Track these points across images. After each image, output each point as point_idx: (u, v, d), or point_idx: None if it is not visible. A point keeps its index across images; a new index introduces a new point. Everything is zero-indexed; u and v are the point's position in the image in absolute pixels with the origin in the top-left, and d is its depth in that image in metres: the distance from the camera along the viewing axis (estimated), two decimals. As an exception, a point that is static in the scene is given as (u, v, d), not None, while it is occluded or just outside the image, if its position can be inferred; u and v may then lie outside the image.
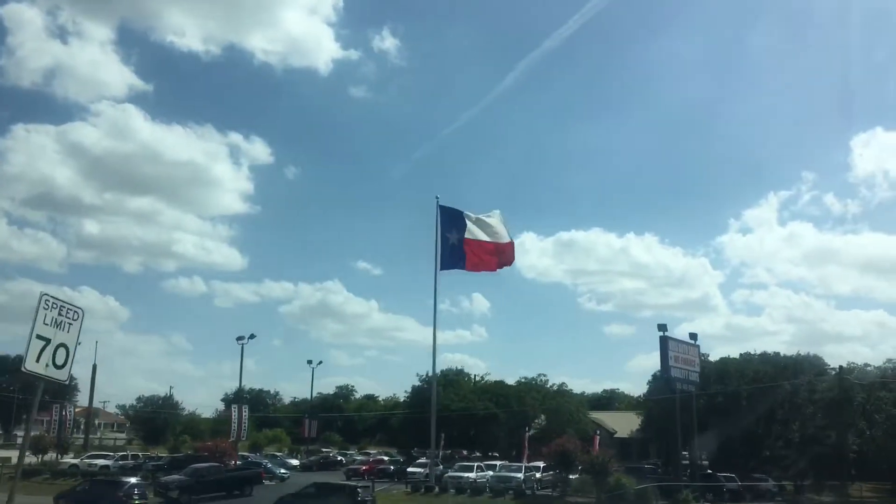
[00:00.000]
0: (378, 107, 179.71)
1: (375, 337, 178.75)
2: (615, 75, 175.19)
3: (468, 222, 45.74)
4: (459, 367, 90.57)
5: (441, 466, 57.83)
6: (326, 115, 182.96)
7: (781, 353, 62.28)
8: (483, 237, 45.27)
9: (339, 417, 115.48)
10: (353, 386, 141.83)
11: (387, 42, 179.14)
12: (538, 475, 45.17)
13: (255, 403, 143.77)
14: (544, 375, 67.80)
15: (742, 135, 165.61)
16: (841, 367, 52.00)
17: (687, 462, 46.09)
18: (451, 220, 46.76)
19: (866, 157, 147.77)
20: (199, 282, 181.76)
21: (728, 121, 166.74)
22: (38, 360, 10.07)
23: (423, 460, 58.90)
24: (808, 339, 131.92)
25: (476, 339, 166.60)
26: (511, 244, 45.54)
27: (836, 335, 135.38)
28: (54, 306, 10.32)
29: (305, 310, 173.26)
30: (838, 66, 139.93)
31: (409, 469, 56.19)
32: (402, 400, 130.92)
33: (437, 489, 41.65)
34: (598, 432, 58.66)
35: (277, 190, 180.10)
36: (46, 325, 10.12)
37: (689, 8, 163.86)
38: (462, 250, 45.39)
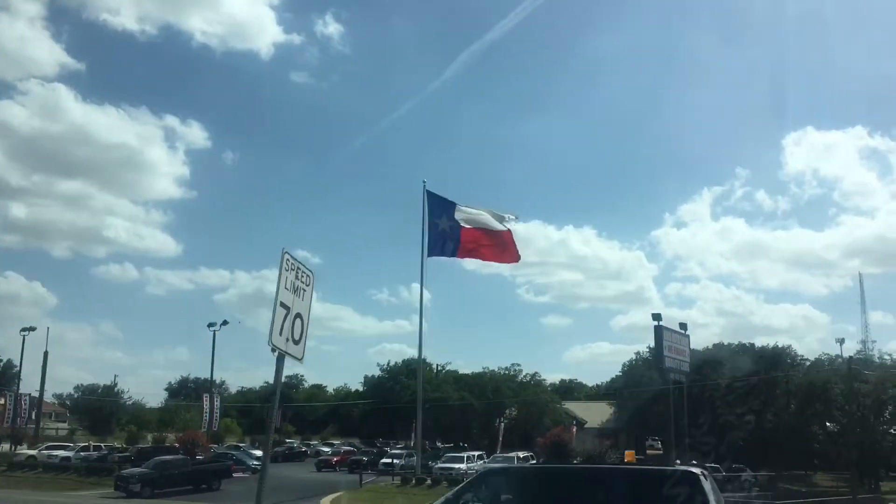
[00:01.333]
0: (320, 93, 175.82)
1: (312, 326, 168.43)
2: (556, 69, 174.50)
3: (462, 212, 44.33)
4: (422, 357, 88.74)
5: (414, 458, 56.77)
6: (267, 100, 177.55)
7: (757, 345, 62.77)
8: (482, 226, 43.76)
9: (289, 407, 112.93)
10: (302, 375, 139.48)
11: (330, 28, 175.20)
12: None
13: (201, 393, 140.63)
14: (518, 365, 67.09)
15: (679, 131, 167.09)
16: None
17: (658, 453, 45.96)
18: (441, 207, 45.38)
19: (797, 155, 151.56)
20: (130, 268, 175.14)
21: (665, 117, 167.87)
22: (280, 334, 8.44)
23: (396, 451, 57.72)
24: (738, 332, 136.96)
25: (415, 328, 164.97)
26: (511, 242, 43.77)
27: (765, 328, 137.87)
28: (293, 268, 8.71)
29: (242, 298, 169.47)
30: (772, 65, 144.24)
31: (384, 460, 54.98)
32: (353, 390, 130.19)
33: (428, 480, 40.38)
34: (575, 423, 58.26)
35: (214, 175, 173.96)
36: (287, 290, 8.52)
37: (628, 4, 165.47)
38: (456, 237, 44.00)
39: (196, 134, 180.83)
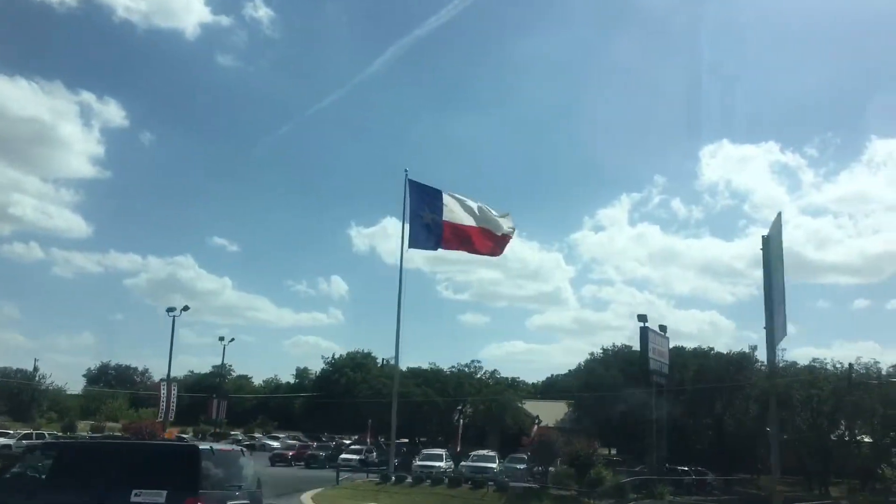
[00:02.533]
0: (246, 78, 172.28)
1: (227, 316, 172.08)
2: (483, 69, 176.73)
3: (448, 203, 42.82)
4: (367, 351, 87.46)
5: (374, 454, 55.36)
6: (190, 81, 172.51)
7: (717, 350, 63.62)
8: (469, 222, 42.25)
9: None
10: (231, 365, 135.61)
11: (260, 11, 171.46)
12: (519, 466, 43.48)
13: (122, 381, 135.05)
14: (478, 362, 66.24)
15: (601, 137, 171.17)
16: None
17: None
18: (424, 197, 43.82)
19: (712, 166, 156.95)
20: (36, 248, 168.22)
21: (589, 122, 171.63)
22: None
23: (356, 447, 56.14)
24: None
25: (332, 321, 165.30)
26: (505, 238, 42.50)
27: (674, 333, 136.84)
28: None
29: (153, 284, 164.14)
30: (692, 78, 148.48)
31: (343, 456, 53.35)
32: (285, 382, 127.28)
33: (409, 479, 39.01)
34: (538, 421, 57.76)
35: (131, 156, 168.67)
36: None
37: (553, 10, 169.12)
38: (440, 231, 42.49)
39: (113, 112, 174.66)
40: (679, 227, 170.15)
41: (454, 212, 42.30)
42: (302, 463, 56.09)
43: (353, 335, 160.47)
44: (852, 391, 52.87)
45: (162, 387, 51.01)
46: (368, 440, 60.92)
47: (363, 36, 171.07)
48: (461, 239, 42.25)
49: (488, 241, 42.21)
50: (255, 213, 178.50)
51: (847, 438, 55.11)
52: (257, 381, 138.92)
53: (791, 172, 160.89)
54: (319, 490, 36.97)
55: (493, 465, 42.35)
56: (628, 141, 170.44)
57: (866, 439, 56.22)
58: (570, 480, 38.33)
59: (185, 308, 52.91)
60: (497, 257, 45.19)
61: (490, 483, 37.85)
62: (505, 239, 42.58)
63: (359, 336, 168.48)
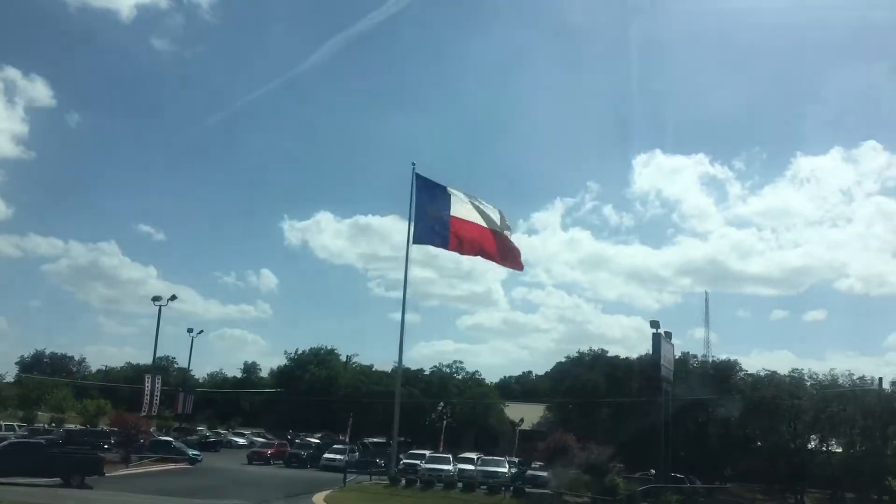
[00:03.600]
0: (181, 63, 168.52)
1: (151, 306, 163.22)
2: (422, 68, 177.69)
3: (455, 199, 41.62)
4: (330, 347, 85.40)
5: (357, 454, 53.87)
6: (122, 64, 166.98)
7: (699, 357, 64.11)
8: (477, 220, 41.05)
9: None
10: (174, 357, 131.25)
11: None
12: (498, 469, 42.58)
13: (58, 370, 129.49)
14: (460, 362, 65.17)
15: (539, 141, 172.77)
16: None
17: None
18: (431, 192, 42.56)
19: (644, 175, 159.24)
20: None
21: (528, 127, 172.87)
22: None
23: (339, 446, 54.45)
24: (575, 339, 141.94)
25: (260, 315, 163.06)
26: (515, 250, 41.34)
27: (600, 337, 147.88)
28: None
29: (74, 270, 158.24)
30: (626, 88, 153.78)
31: (327, 456, 51.67)
32: (231, 376, 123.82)
33: (418, 482, 37.80)
34: (521, 423, 57.15)
35: (57, 137, 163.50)
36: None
37: (492, 16, 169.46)
38: (446, 227, 41.27)
39: (40, 91, 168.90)
40: (610, 234, 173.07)
41: (461, 209, 41.21)
42: (280, 462, 54.10)
43: (281, 330, 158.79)
44: (831, 402, 54.00)
45: (146, 379, 48.40)
46: (346, 439, 59.32)
47: (303, 27, 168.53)
48: (469, 239, 41.08)
49: (502, 247, 41.17)
50: (184, 202, 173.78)
51: (825, 448, 56.15)
52: (198, 374, 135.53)
53: (719, 184, 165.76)
54: (329, 492, 35.49)
55: (503, 470, 41.51)
56: (564, 147, 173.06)
57: (836, 449, 57.56)
58: (584, 488, 37.78)
59: (173, 297, 50.48)
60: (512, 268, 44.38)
61: (505, 488, 36.95)
62: (509, 241, 41.66)
63: (287, 331, 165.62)
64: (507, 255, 41.29)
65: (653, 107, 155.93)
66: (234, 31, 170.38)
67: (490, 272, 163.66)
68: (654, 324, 41.95)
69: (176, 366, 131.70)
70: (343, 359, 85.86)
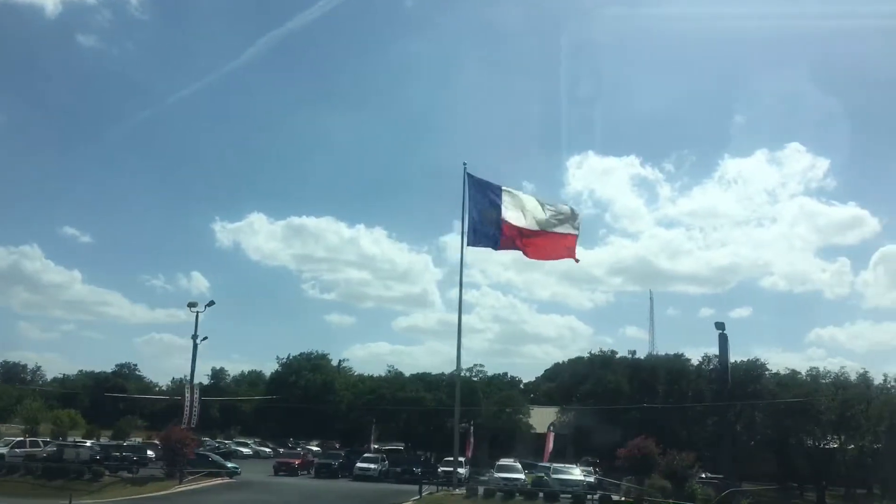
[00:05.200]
0: (108, 60, 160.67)
1: (75, 310, 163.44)
2: (357, 67, 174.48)
3: (507, 200, 40.53)
4: (322, 352, 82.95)
5: (387, 463, 52.26)
6: (46, 60, 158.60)
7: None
8: (530, 224, 39.87)
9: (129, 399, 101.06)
10: (135, 364, 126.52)
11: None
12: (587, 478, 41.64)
13: (9, 378, 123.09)
14: (481, 366, 63.82)
15: (475, 141, 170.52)
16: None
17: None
18: (484, 192, 41.48)
19: (578, 176, 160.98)
20: None
21: (464, 126, 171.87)
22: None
23: (370, 455, 52.64)
24: (510, 339, 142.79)
25: (191, 319, 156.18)
26: (572, 238, 40.22)
27: (535, 336, 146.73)
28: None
29: None
30: (561, 89, 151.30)
31: (360, 465, 49.92)
32: (198, 383, 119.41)
33: (497, 493, 36.38)
34: (552, 428, 56.27)
35: None
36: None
37: (434, 13, 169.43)
38: (498, 228, 40.19)
39: None
40: None
41: (513, 210, 40.15)
42: (306, 472, 51.98)
43: (212, 334, 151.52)
44: (854, 402, 54.79)
45: (186, 390, 45.66)
46: (371, 447, 57.50)
47: (235, 24, 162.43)
48: (518, 239, 40.07)
49: (553, 244, 40.17)
50: (110, 203, 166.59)
51: (849, 447, 56.74)
52: (162, 382, 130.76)
53: (650, 185, 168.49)
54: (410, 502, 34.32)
55: (580, 478, 40.63)
56: (500, 146, 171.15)
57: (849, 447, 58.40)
58: (659, 493, 37.07)
59: (211, 303, 47.69)
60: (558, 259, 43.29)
61: (590, 496, 35.94)
62: (572, 239, 40.63)
63: (220, 335, 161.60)
64: (558, 252, 40.40)
65: (586, 109, 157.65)
66: (164, 28, 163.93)
67: (426, 273, 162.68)
68: (720, 325, 41.49)
69: (138, 373, 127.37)
70: (340, 364, 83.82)
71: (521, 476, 40.75)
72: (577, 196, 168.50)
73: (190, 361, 46.53)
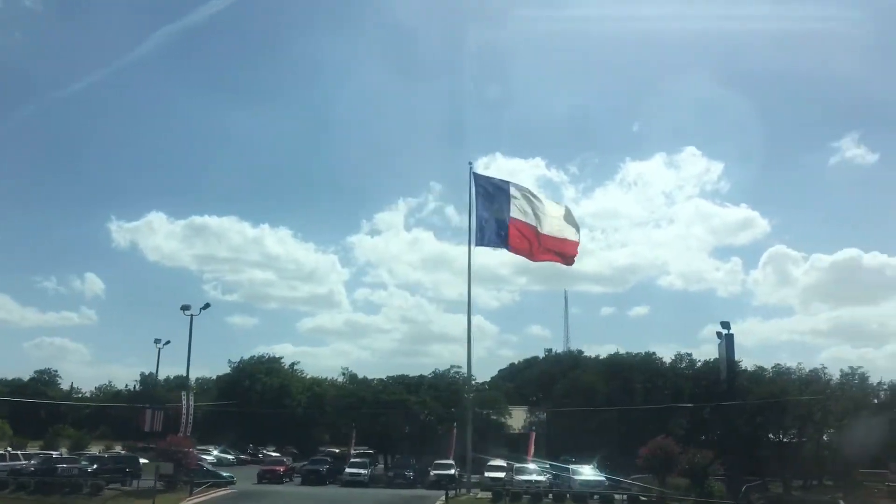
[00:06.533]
0: None
1: None
2: (265, 64, 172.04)
3: (514, 197, 40.09)
4: (274, 355, 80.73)
5: (374, 468, 51.08)
6: None
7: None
8: (540, 227, 39.39)
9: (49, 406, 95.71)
10: (55, 370, 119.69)
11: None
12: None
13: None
14: (458, 367, 62.62)
15: (385, 142, 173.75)
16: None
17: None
18: (491, 191, 40.99)
19: None
20: None
21: (373, 127, 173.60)
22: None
23: (358, 460, 51.16)
24: (417, 339, 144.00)
25: (85, 322, 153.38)
26: (574, 244, 39.97)
27: (441, 335, 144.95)
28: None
29: None
30: (469, 92, 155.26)
31: (350, 470, 48.40)
32: (125, 388, 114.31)
33: (525, 496, 35.78)
34: (534, 429, 56.09)
35: None
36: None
37: (341, 12, 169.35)
38: (505, 227, 39.74)
39: None
40: (452, 234, 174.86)
41: (522, 209, 39.76)
42: (288, 479, 49.99)
43: (107, 338, 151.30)
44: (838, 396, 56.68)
45: (183, 397, 43.06)
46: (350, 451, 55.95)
47: (133, 16, 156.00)
48: (530, 242, 39.63)
49: (556, 246, 39.89)
50: None
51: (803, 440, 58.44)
52: (85, 388, 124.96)
53: (555, 187, 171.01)
54: None
55: (602, 478, 40.45)
56: (408, 147, 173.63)
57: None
58: (678, 492, 37.40)
59: (206, 306, 45.14)
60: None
61: (619, 497, 35.88)
62: (573, 245, 40.45)
63: (114, 339, 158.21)
64: (560, 253, 40.08)
65: (493, 110, 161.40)
66: (58, 18, 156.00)
67: (333, 273, 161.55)
68: (725, 325, 41.86)
69: (59, 380, 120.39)
70: (293, 368, 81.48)
71: (542, 478, 40.27)
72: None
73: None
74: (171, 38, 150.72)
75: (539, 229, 39.44)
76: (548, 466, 45.52)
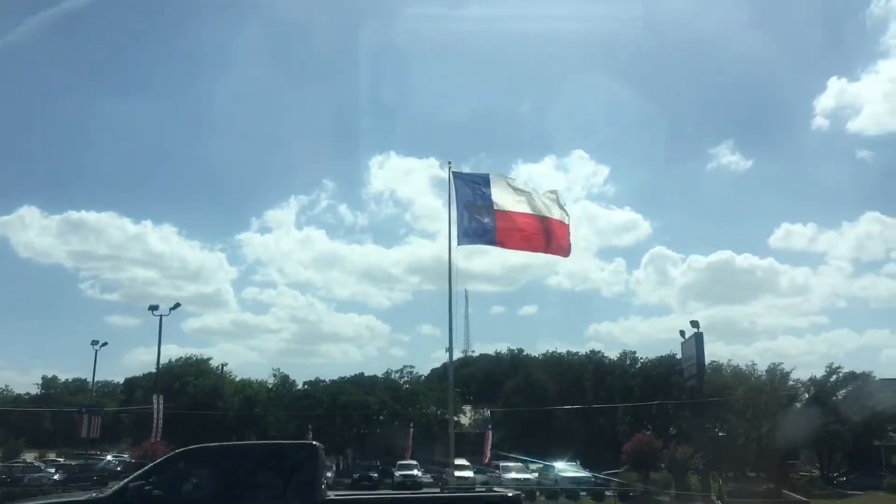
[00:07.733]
0: None
1: None
2: (149, 54, 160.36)
3: (497, 188, 40.05)
4: (204, 356, 77.73)
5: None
6: None
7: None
8: (523, 209, 39.61)
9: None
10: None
11: None
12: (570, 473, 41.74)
13: None
14: (410, 367, 62.20)
15: (275, 136, 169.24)
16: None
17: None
18: (472, 186, 40.68)
19: (380, 176, 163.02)
20: None
21: (263, 121, 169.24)
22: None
23: (406, 462, 49.96)
24: (307, 339, 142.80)
25: None
26: (566, 227, 40.25)
27: (332, 335, 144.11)
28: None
29: None
30: (363, 89, 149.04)
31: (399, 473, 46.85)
32: (24, 394, 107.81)
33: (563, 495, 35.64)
34: (490, 427, 56.19)
35: None
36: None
37: (233, 3, 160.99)
38: (492, 221, 39.63)
39: None
40: (345, 233, 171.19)
41: (504, 197, 39.80)
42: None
43: None
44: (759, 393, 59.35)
45: (155, 400, 40.63)
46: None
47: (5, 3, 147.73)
48: (518, 230, 39.68)
49: (548, 233, 40.09)
50: None
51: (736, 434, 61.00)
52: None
53: (447, 187, 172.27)
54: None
55: (586, 474, 40.74)
56: (301, 144, 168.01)
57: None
58: (658, 486, 38.42)
59: (176, 306, 42.89)
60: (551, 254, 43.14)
61: (609, 494, 36.48)
62: (564, 229, 40.79)
63: None
64: (552, 241, 40.28)
65: (389, 108, 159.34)
66: None
67: (220, 272, 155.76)
68: (695, 324, 43.03)
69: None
70: (221, 368, 78.47)
71: (528, 475, 40.40)
72: (379, 196, 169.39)
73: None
74: (48, 22, 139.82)
75: (528, 212, 39.33)
76: (526, 464, 45.73)
